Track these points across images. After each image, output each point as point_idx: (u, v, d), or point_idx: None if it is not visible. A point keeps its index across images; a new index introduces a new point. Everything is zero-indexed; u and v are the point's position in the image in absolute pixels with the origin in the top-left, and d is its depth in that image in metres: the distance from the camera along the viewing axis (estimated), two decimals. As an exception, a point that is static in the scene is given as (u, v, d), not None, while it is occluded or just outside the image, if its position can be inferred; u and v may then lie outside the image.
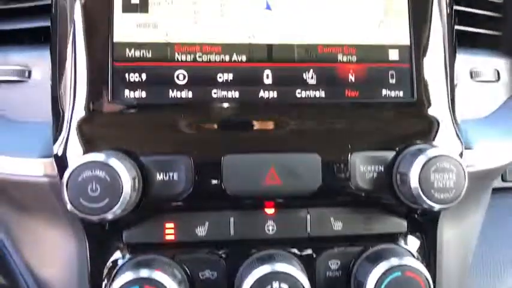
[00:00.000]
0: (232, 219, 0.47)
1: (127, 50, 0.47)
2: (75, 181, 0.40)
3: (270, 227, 0.48)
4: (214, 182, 0.45)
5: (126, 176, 0.41)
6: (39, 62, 0.52)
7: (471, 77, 0.58)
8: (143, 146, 0.45)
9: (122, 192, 0.40)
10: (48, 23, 0.51)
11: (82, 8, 0.47)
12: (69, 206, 0.40)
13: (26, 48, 0.53)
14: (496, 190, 0.64)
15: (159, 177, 0.45)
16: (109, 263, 0.46)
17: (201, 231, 0.47)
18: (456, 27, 0.55)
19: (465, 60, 0.58)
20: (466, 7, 0.59)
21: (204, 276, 0.47)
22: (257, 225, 0.47)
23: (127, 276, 0.42)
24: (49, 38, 0.50)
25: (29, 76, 0.52)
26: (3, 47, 0.54)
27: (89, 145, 0.45)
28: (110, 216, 0.40)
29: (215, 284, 0.47)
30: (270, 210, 0.48)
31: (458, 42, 0.55)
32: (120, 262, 0.47)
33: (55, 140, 0.45)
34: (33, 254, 0.51)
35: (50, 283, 0.50)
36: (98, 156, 0.41)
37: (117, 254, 0.47)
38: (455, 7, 0.55)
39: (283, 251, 0.48)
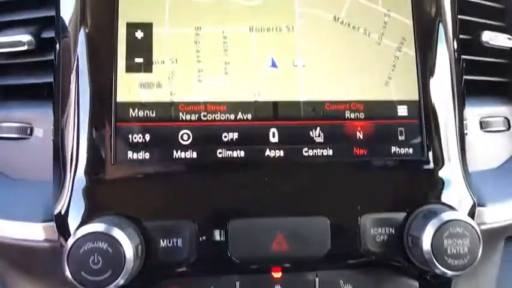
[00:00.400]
0: (238, 284, 0.45)
1: (130, 110, 0.46)
2: (76, 254, 0.39)
3: (277, 292, 0.47)
4: (219, 247, 0.43)
5: (129, 246, 0.39)
6: (41, 118, 0.51)
7: (481, 127, 0.57)
8: (146, 210, 0.44)
9: (124, 264, 0.39)
10: (51, 79, 0.51)
11: (85, 66, 0.47)
12: (70, 280, 0.39)
13: (29, 104, 0.52)
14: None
15: (163, 243, 0.43)
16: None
17: None
18: (464, 77, 0.54)
19: (474, 111, 0.57)
20: (473, 55, 0.58)
21: None
22: (264, 289, 0.46)
23: None
24: (52, 94, 0.50)
25: (31, 133, 0.51)
26: (6, 103, 0.54)
27: (90, 209, 0.44)
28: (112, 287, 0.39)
29: None
30: (277, 274, 0.46)
31: (466, 91, 0.55)
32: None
33: (56, 202, 0.45)
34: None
35: None
36: (99, 227, 0.40)
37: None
38: (463, 56, 0.55)
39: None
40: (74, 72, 0.47)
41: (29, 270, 0.49)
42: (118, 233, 0.40)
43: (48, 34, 0.52)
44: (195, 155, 0.46)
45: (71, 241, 0.39)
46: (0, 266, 0.50)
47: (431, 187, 0.48)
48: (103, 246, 0.39)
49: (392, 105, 0.49)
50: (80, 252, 0.39)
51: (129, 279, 0.40)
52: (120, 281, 0.39)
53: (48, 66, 0.51)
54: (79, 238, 0.39)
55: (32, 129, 0.51)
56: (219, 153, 0.46)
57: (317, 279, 0.46)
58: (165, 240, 0.43)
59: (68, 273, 0.38)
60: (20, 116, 0.52)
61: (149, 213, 0.44)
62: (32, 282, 0.50)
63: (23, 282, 0.50)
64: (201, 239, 0.43)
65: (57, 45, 0.48)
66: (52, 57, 0.50)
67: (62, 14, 0.48)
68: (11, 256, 0.49)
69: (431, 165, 0.48)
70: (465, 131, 0.51)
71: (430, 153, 0.48)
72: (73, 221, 0.43)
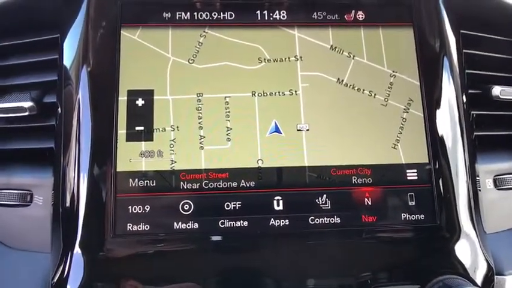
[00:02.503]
0: None
1: (130, 180, 0.45)
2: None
3: None
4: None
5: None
6: (42, 184, 0.49)
7: (495, 185, 0.55)
8: (146, 286, 0.42)
9: None
10: (52, 144, 0.50)
11: (86, 135, 0.46)
12: None
13: (30, 169, 0.51)
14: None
15: None
16: None
17: None
18: (475, 132, 0.52)
19: (488, 167, 0.54)
20: (483, 109, 0.56)
21: None
22: None
23: None
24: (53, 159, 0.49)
25: (31, 200, 0.51)
26: (7, 168, 0.53)
27: (88, 282, 0.42)
28: None
29: None
30: None
31: (478, 146, 0.53)
32: None
33: (53, 274, 0.43)
34: None
35: None
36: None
37: None
38: (473, 112, 0.54)
39: None
40: (74, 139, 0.47)
41: None
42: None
43: (50, 99, 0.52)
44: (196, 225, 0.44)
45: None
46: None
47: (445, 256, 0.45)
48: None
49: (401, 168, 0.47)
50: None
51: None
52: None
53: (50, 131, 0.51)
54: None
55: (32, 196, 0.51)
56: (221, 223, 0.45)
57: None
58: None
59: None
60: (21, 182, 0.51)
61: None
62: None
63: None
64: None
65: (59, 110, 0.48)
66: (53, 122, 0.50)
67: (63, 81, 0.48)
68: None
69: (445, 231, 0.46)
70: (478, 188, 0.49)
71: (443, 219, 0.46)
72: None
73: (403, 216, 0.46)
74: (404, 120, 0.48)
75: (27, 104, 0.52)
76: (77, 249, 0.43)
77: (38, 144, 0.52)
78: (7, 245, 0.50)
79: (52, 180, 0.48)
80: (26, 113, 0.52)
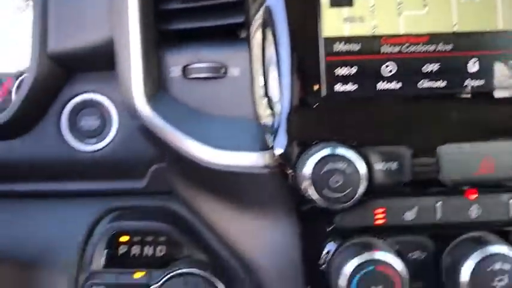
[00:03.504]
0: (439, 204, 0.49)
1: (336, 44, 0.48)
2: (318, 174, 0.44)
3: (473, 211, 0.50)
4: (430, 171, 0.47)
5: (363, 166, 0.44)
6: (234, 58, 0.54)
7: None
8: (362, 137, 0.47)
9: (360, 183, 0.44)
10: (241, 20, 0.53)
11: (287, 3, 0.49)
12: (316, 197, 0.44)
13: (219, 45, 0.55)
14: None
15: (378, 167, 0.47)
16: (324, 247, 0.50)
17: (410, 215, 0.50)
18: None
19: None
20: None
21: (414, 257, 0.50)
22: (461, 209, 0.50)
23: (357, 259, 0.46)
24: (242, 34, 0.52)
25: (225, 73, 0.55)
26: (194, 44, 0.56)
27: (307, 139, 0.47)
28: (350, 204, 0.44)
29: (424, 264, 0.50)
30: (473, 196, 0.50)
31: None
32: (332, 246, 0.50)
33: (274, 135, 0.48)
34: (237, 239, 0.56)
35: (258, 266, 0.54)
36: (330, 151, 0.45)
37: (329, 238, 0.51)
38: None
39: (489, 234, 0.50)
40: (271, 10, 0.50)
41: (232, 195, 0.55)
42: (352, 155, 0.44)
43: None
44: (398, 86, 0.49)
45: (312, 162, 0.43)
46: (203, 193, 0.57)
47: None
48: (342, 166, 0.43)
49: None
50: (321, 173, 0.43)
51: (357, 200, 0.45)
52: (357, 198, 0.44)
53: (240, 6, 0.53)
54: (320, 160, 0.43)
55: (226, 69, 0.55)
56: (421, 84, 0.48)
57: (511, 201, 0.50)
58: (381, 164, 0.47)
59: (311, 191, 0.43)
60: (212, 57, 0.55)
61: (365, 140, 0.47)
62: (231, 206, 0.56)
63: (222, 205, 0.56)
64: (415, 163, 0.47)
65: None
66: None
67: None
68: (219, 184, 0.54)
69: None
70: None
71: None
72: (293, 149, 0.47)
73: None
74: None
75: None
76: (290, 110, 0.47)
77: (227, 20, 0.55)
78: (210, 113, 0.55)
79: (247, 52, 0.52)
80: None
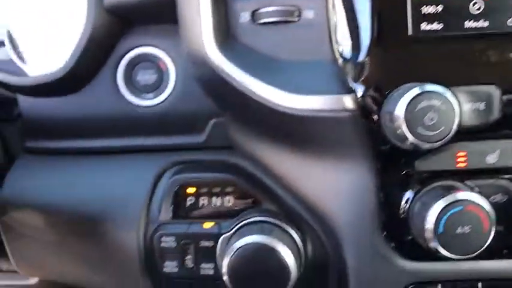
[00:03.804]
0: None
1: (421, -20, 0.47)
2: (412, 112, 0.43)
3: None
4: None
5: (457, 104, 0.43)
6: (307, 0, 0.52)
7: None
8: (449, 77, 0.46)
9: (454, 121, 0.43)
10: None
11: None
12: (409, 136, 0.43)
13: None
14: None
15: (466, 107, 0.46)
16: (403, 195, 0.50)
17: (492, 158, 0.49)
18: None
19: None
20: None
21: (495, 200, 0.50)
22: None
23: (444, 200, 0.46)
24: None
25: (299, 16, 0.53)
26: None
27: (393, 79, 0.46)
28: (442, 143, 0.43)
29: (505, 207, 0.50)
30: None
31: None
32: (411, 193, 0.49)
33: (356, 77, 0.47)
34: (309, 188, 0.54)
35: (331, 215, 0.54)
36: (422, 89, 0.44)
37: (407, 185, 0.50)
38: None
39: None
40: None
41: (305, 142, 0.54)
42: (447, 92, 0.43)
43: None
44: (486, 24, 0.47)
45: (406, 101, 0.43)
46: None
47: None
48: (437, 103, 0.42)
49: None
50: (415, 110, 0.43)
51: (449, 138, 0.44)
52: (449, 137, 0.43)
53: None
54: (413, 98, 0.43)
55: (300, 12, 0.54)
56: (510, 21, 0.47)
57: None
58: (469, 104, 0.46)
59: (405, 129, 0.43)
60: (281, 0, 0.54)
61: (453, 79, 0.46)
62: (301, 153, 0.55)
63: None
64: (504, 101, 0.46)
65: None
66: None
67: None
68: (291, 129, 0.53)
69: None
70: None
71: None
72: (379, 90, 0.46)
73: None
74: None
75: None
76: (373, 51, 0.47)
77: None
78: (281, 58, 0.54)
79: None
80: None
